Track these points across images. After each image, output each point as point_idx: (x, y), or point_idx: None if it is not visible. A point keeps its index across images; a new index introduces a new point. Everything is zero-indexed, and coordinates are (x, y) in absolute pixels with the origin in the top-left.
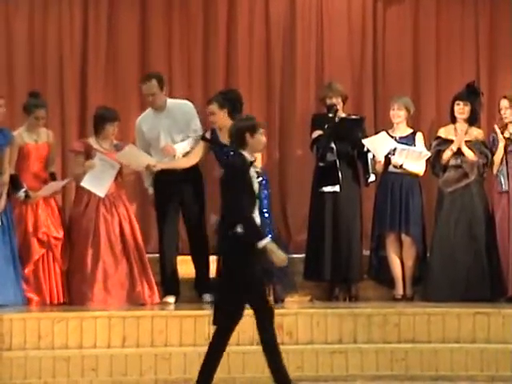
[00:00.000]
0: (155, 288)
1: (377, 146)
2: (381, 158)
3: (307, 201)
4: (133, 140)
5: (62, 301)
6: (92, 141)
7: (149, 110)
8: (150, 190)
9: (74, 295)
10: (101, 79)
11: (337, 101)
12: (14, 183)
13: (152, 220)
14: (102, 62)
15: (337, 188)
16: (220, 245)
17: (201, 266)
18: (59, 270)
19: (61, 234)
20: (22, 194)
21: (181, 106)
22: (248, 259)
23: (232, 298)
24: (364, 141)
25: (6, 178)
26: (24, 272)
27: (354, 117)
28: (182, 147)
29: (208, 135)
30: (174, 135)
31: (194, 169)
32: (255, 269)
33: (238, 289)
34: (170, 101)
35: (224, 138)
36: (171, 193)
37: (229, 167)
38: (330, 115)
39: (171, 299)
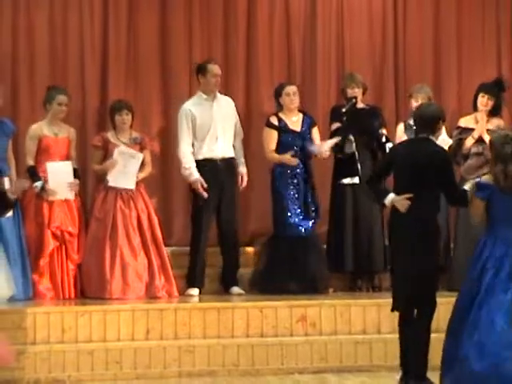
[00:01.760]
0: (173, 281)
1: None
2: None
3: (328, 193)
4: (156, 132)
5: (73, 297)
6: (110, 135)
7: (197, 98)
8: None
9: (92, 288)
10: (122, 73)
11: (358, 91)
12: (32, 174)
13: (174, 214)
14: (123, 56)
15: (356, 180)
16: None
17: (231, 258)
18: (73, 266)
19: (75, 230)
20: (38, 184)
21: (228, 101)
22: None
23: None
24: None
25: (13, 172)
26: (39, 264)
27: (368, 107)
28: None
29: (275, 121)
30: (226, 126)
31: (233, 162)
32: None
33: None
34: (218, 93)
35: (292, 125)
36: (213, 184)
37: (440, 155)
38: (345, 108)
39: (195, 291)
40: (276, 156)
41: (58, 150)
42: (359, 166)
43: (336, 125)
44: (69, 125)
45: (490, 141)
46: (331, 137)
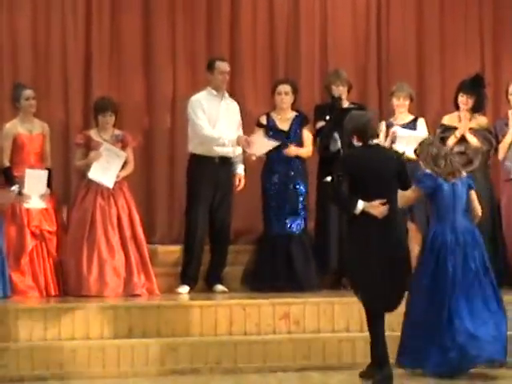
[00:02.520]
0: (154, 279)
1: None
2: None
3: (313, 191)
4: (140, 129)
5: (54, 294)
6: (93, 133)
7: (208, 93)
8: None
9: (71, 285)
10: (105, 70)
11: (343, 89)
12: (7, 177)
13: (158, 211)
14: (106, 52)
15: None
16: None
17: (220, 257)
18: (52, 263)
19: (53, 228)
20: (15, 188)
21: (234, 104)
22: None
23: None
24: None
25: None
26: (20, 263)
27: (356, 106)
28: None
29: (264, 121)
30: (229, 127)
31: (232, 162)
32: None
33: None
34: (226, 93)
35: (281, 124)
36: (209, 180)
37: (398, 156)
38: (334, 105)
39: (184, 289)
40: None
41: (33, 147)
42: None
43: (320, 123)
44: (52, 122)
45: (420, 144)
46: (316, 135)
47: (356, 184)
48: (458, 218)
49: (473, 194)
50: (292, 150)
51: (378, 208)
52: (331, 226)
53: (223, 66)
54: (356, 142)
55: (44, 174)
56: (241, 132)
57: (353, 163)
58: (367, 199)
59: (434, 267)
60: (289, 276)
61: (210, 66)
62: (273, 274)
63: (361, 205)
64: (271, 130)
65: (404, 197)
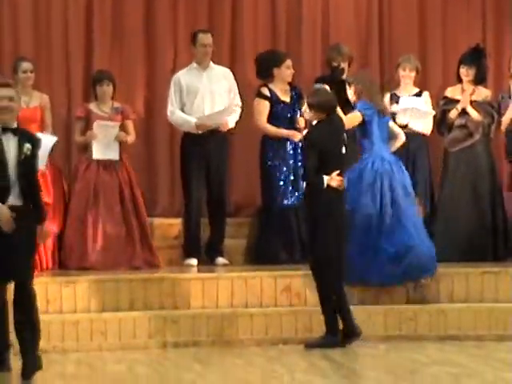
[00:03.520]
0: (155, 252)
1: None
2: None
3: None
4: (141, 102)
5: (50, 267)
6: (92, 105)
7: (189, 68)
8: None
9: (72, 257)
10: (106, 43)
11: (344, 65)
12: None
13: (159, 184)
14: (108, 26)
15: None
16: None
17: (218, 229)
18: (50, 237)
19: (50, 200)
20: None
21: (224, 72)
22: None
23: None
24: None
25: None
26: None
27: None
28: (233, 121)
29: (267, 92)
30: (215, 96)
31: (221, 131)
32: None
33: None
34: (212, 63)
35: (283, 96)
36: (200, 155)
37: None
38: (334, 76)
39: (194, 261)
40: (272, 129)
41: (32, 119)
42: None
43: None
44: (54, 96)
45: (356, 78)
46: None
47: (321, 158)
48: (385, 149)
49: (391, 122)
50: (301, 121)
51: (336, 180)
52: None
53: (204, 38)
54: (317, 117)
55: (52, 139)
56: (236, 94)
57: (320, 139)
58: (327, 172)
59: (371, 197)
60: (292, 247)
61: (193, 39)
62: (276, 246)
63: (325, 179)
64: (276, 103)
65: (348, 120)
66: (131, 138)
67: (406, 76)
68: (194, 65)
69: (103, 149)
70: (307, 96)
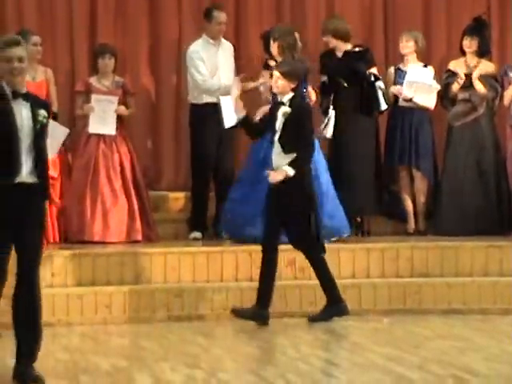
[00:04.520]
0: (154, 226)
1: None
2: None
3: None
4: (146, 76)
5: (57, 241)
6: (93, 79)
7: (204, 41)
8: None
9: (73, 230)
10: (110, 16)
11: (327, 39)
12: None
13: (164, 157)
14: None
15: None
16: None
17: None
18: (55, 210)
19: (56, 174)
20: None
21: (229, 46)
22: None
23: None
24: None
25: None
26: None
27: (356, 49)
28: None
29: (273, 64)
30: (228, 72)
31: None
32: None
33: None
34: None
35: None
36: (214, 124)
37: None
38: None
39: (199, 235)
40: None
41: (37, 94)
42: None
43: (323, 78)
44: (57, 70)
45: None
46: (320, 90)
47: None
48: None
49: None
50: (313, 94)
51: None
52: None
53: (221, 16)
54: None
55: (64, 131)
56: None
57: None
58: None
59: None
60: None
61: (208, 15)
62: None
63: None
64: None
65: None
66: (130, 111)
67: (404, 46)
68: (210, 40)
69: (99, 123)
70: (277, 66)
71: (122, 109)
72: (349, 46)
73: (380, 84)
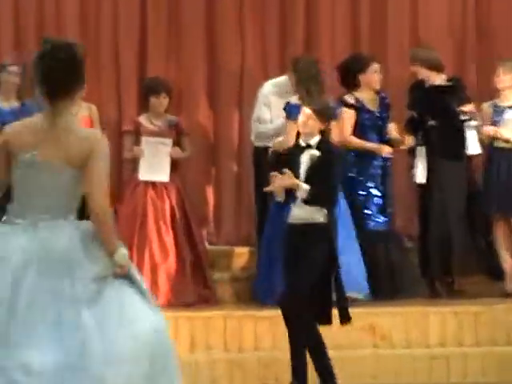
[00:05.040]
0: (211, 285)
1: None
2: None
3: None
4: (202, 113)
5: None
6: (142, 118)
7: (279, 89)
8: None
9: None
10: (162, 48)
11: (416, 69)
12: None
13: (224, 209)
14: (164, 25)
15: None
16: None
17: None
18: None
19: None
20: None
21: None
22: None
23: None
24: None
25: None
26: None
27: (444, 84)
28: None
29: (352, 100)
30: None
31: None
32: None
33: None
34: None
35: (369, 104)
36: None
37: None
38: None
39: None
40: (357, 141)
41: None
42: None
43: (409, 113)
44: (103, 107)
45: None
46: (406, 127)
47: None
48: None
49: None
50: (393, 131)
51: None
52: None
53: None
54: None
55: None
56: None
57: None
58: None
59: None
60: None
61: (295, 66)
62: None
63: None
64: (363, 112)
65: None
66: (185, 154)
67: (499, 80)
68: (288, 89)
69: (151, 169)
70: (308, 103)
71: (177, 151)
72: (443, 77)
73: (473, 124)
